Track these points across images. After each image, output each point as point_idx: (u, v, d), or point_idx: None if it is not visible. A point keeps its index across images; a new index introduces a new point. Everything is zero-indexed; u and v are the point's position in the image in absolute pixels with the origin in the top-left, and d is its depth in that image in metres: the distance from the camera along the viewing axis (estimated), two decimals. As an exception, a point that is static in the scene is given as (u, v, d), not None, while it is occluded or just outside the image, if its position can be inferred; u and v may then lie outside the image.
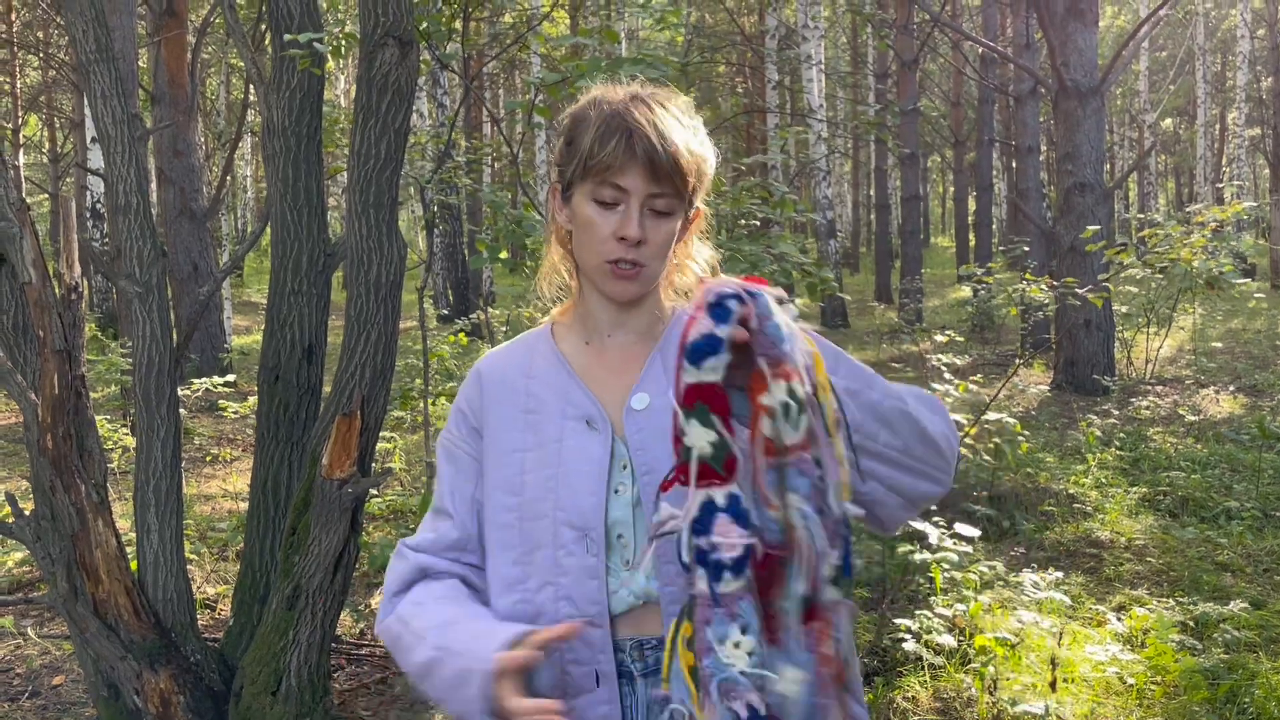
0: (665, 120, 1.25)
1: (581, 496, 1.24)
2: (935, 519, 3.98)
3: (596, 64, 3.43)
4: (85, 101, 12.59)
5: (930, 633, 3.52)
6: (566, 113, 1.33)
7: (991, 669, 3.41)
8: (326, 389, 3.23)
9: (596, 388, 1.32)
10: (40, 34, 18.72)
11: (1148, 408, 8.11)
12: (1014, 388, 8.78)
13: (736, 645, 1.04)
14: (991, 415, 5.12)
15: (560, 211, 1.33)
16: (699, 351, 1.08)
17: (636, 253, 1.26)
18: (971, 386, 5.09)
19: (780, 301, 1.12)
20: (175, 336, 3.24)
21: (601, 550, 1.23)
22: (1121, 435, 7.15)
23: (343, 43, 3.66)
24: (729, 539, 1.06)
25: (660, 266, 1.31)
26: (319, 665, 3.04)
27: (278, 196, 3.33)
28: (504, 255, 4.14)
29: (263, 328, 3.52)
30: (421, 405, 5.89)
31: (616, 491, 1.26)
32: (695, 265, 1.38)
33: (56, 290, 2.90)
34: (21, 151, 19.71)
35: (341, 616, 3.44)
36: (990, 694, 3.35)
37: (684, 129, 1.27)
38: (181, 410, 3.78)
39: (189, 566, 3.48)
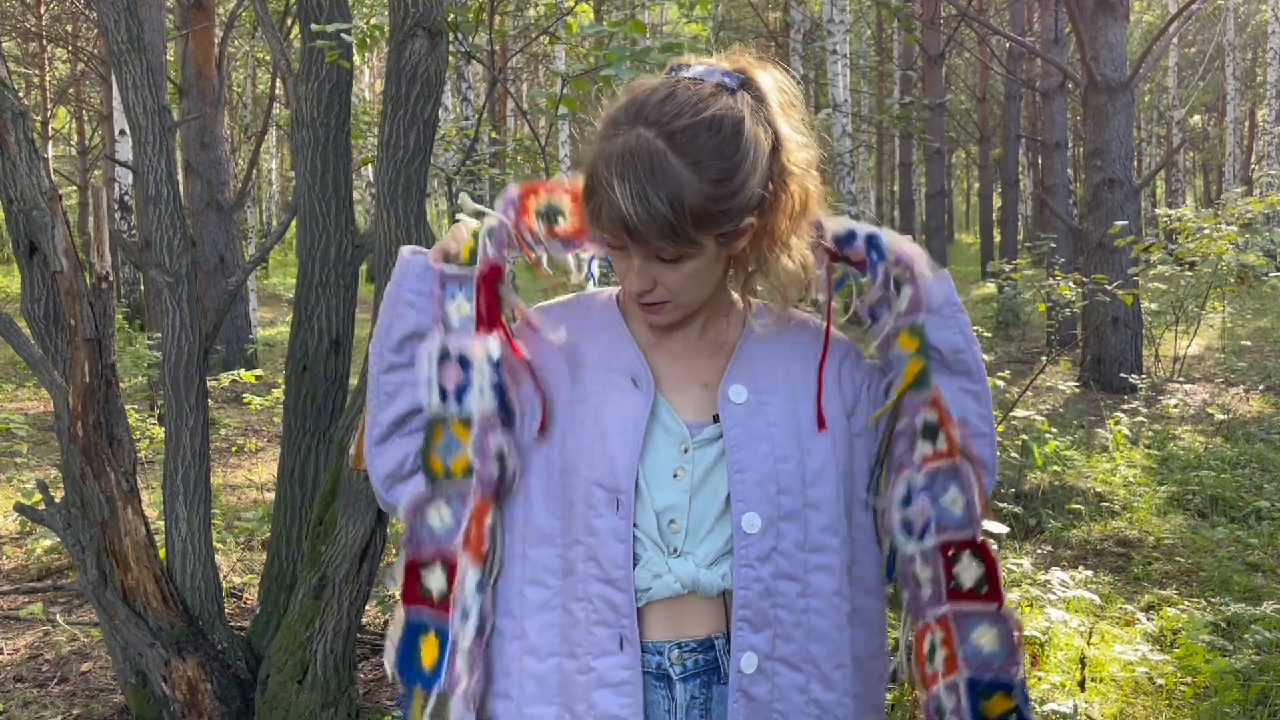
0: (656, 178, 1.09)
1: (615, 456, 1.21)
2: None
3: (623, 54, 3.40)
4: (114, 94, 12.68)
5: (957, 630, 3.49)
6: (607, 113, 1.20)
7: (1019, 667, 3.38)
8: (354, 380, 3.23)
9: (652, 355, 1.28)
10: (69, 27, 18.86)
11: (1176, 406, 8.02)
12: (1041, 385, 8.72)
13: None
14: (1019, 413, 5.08)
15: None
16: None
17: (654, 295, 1.20)
18: (998, 383, 5.05)
19: None
20: (203, 327, 3.25)
21: (630, 513, 1.20)
22: (1149, 434, 7.07)
23: (369, 35, 3.66)
24: None
25: (695, 295, 1.22)
26: (344, 655, 3.05)
27: (306, 188, 3.34)
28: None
29: (288, 320, 3.53)
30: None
31: (675, 476, 1.23)
32: (796, 249, 1.23)
33: (87, 280, 2.92)
34: (51, 144, 19.90)
35: (367, 607, 3.46)
36: (1017, 692, 3.32)
37: (683, 177, 1.10)
38: (209, 401, 3.80)
39: (216, 555, 3.50)
